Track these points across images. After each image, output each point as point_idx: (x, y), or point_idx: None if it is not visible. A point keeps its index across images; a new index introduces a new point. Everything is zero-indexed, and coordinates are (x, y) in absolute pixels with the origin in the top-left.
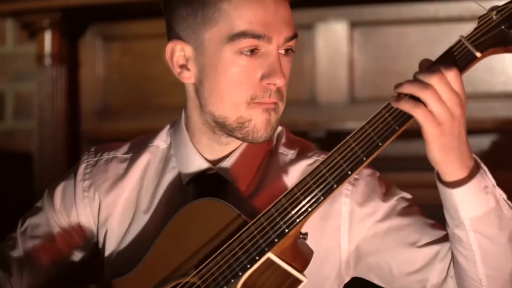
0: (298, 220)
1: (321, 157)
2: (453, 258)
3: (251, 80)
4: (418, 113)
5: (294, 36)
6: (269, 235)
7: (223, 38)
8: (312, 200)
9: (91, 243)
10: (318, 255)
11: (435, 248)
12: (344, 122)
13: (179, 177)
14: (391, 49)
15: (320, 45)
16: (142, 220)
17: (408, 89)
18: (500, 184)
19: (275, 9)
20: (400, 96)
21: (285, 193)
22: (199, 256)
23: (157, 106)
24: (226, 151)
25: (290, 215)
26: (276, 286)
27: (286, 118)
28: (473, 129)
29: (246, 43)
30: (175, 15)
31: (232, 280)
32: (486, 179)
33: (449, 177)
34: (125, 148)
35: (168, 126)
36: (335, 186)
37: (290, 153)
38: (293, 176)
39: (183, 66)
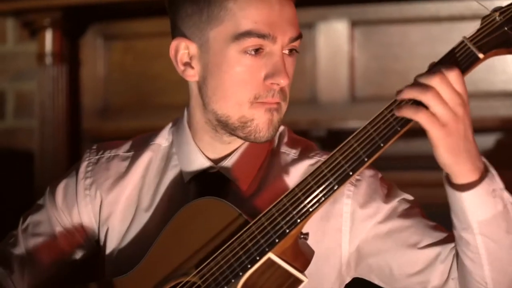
0: (299, 221)
1: (323, 157)
2: (458, 260)
3: (255, 80)
4: (421, 118)
5: (299, 37)
6: (270, 235)
7: (228, 37)
8: (314, 201)
9: (92, 241)
10: (319, 255)
11: (436, 249)
12: (345, 121)
13: (181, 175)
14: (392, 48)
15: (321, 44)
16: (143, 218)
17: (409, 94)
18: None
19: (280, 9)
20: (401, 103)
21: (286, 193)
22: (199, 255)
23: (158, 105)
24: (228, 150)
25: (291, 215)
26: (277, 286)
27: (287, 117)
28: (474, 128)
29: (251, 42)
30: (180, 13)
31: (233, 280)
32: (495, 182)
33: (460, 179)
34: (126, 146)
35: (170, 124)
36: (337, 186)
37: (292, 153)
38: (295, 176)
39: (187, 64)
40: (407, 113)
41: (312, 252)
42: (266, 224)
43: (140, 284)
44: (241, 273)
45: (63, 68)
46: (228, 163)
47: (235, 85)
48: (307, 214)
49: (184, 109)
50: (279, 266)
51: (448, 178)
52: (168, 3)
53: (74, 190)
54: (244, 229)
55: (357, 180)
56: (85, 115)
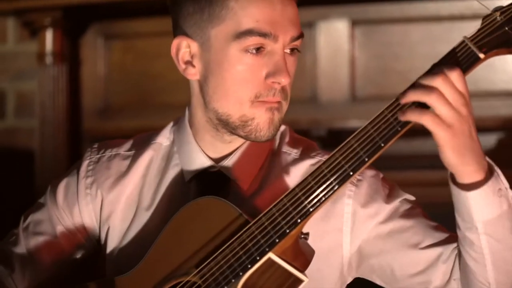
0: (299, 221)
1: (324, 157)
2: (461, 260)
3: (256, 78)
4: (426, 120)
5: (300, 36)
6: (270, 235)
7: (230, 36)
8: (314, 201)
9: (93, 240)
10: (319, 255)
11: (438, 250)
12: (346, 120)
13: (182, 174)
14: (393, 47)
15: (322, 43)
16: (144, 217)
17: (413, 96)
18: None
19: (282, 8)
20: (404, 108)
21: (286, 193)
22: (200, 255)
23: (159, 104)
24: (229, 149)
25: (291, 215)
26: (277, 285)
27: (287, 117)
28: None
29: (252, 41)
30: (181, 11)
31: (233, 280)
32: (500, 182)
33: (466, 179)
34: (128, 145)
35: (171, 124)
36: (337, 186)
37: (294, 153)
38: (296, 175)
39: (188, 63)
40: (412, 116)
41: (312, 252)
42: (266, 224)
43: (140, 284)
44: (241, 273)
45: (64, 68)
46: (229, 162)
47: (236, 84)
48: (307, 214)
49: (184, 108)
50: (280, 266)
51: (453, 177)
52: (170, 2)
53: (75, 189)
54: (244, 229)
55: (358, 180)
56: (86, 114)
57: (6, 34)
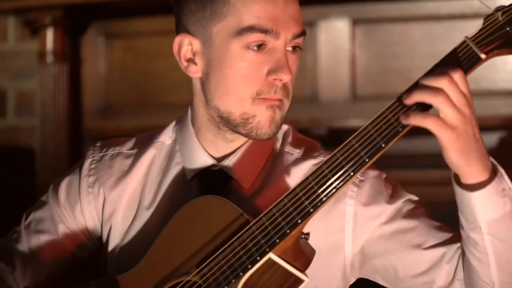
0: (299, 221)
1: (327, 157)
2: (464, 260)
3: (257, 75)
4: (430, 124)
5: (302, 33)
6: (270, 236)
7: (231, 32)
8: (315, 201)
9: (94, 239)
10: (321, 255)
11: (441, 250)
12: (346, 119)
13: (183, 172)
14: (393, 46)
15: (322, 43)
16: (145, 215)
17: (418, 97)
18: None
19: (284, 5)
20: (407, 110)
21: (287, 193)
22: (200, 254)
23: (159, 104)
24: (231, 148)
25: (292, 215)
26: (278, 285)
27: (288, 115)
28: None
29: (254, 37)
30: (184, 9)
31: (233, 280)
32: (504, 182)
33: (469, 179)
34: (130, 143)
35: (174, 122)
36: (338, 187)
37: (296, 152)
38: (298, 175)
39: (190, 60)
40: (416, 120)
41: (313, 252)
42: (267, 224)
43: (141, 283)
44: (241, 273)
45: (64, 67)
46: (230, 161)
47: (237, 81)
48: (308, 215)
49: (184, 108)
50: (280, 266)
51: (456, 178)
52: (174, 0)
53: (77, 188)
54: (245, 229)
55: (361, 181)
56: (86, 113)
57: (6, 33)
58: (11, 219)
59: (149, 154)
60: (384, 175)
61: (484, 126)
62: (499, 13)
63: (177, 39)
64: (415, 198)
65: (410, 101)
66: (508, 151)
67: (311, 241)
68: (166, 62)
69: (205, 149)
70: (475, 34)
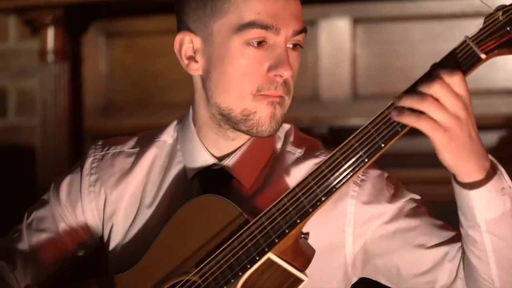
0: (298, 221)
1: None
2: (464, 258)
3: (257, 72)
4: (422, 125)
5: (303, 30)
6: (269, 235)
7: (232, 29)
8: (314, 201)
9: (96, 238)
10: (321, 255)
11: (444, 249)
12: (347, 118)
13: (184, 171)
14: (394, 46)
15: (323, 42)
16: (146, 214)
17: (407, 103)
18: None
19: (284, 2)
20: (401, 108)
21: (286, 192)
22: (200, 254)
23: (160, 103)
24: (232, 147)
25: (291, 215)
26: (277, 285)
27: (288, 115)
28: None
29: (254, 34)
30: (184, 7)
31: (232, 280)
32: (503, 180)
33: (465, 179)
34: (132, 142)
35: (175, 122)
36: (337, 187)
37: (298, 152)
38: (298, 175)
39: (191, 58)
40: (408, 120)
41: (313, 252)
42: (266, 223)
43: (141, 282)
44: (240, 273)
45: (65, 66)
46: (231, 160)
47: (237, 77)
48: (307, 215)
49: (185, 107)
50: (279, 266)
51: (455, 176)
52: None
53: (78, 187)
54: (244, 228)
55: (362, 180)
56: (87, 112)
57: (7, 32)
58: (12, 218)
59: (151, 153)
60: (385, 175)
61: (484, 125)
62: (500, 13)
63: (178, 37)
64: (417, 197)
65: (400, 103)
66: (508, 150)
67: (312, 241)
68: (167, 61)
69: (206, 148)
70: (476, 34)
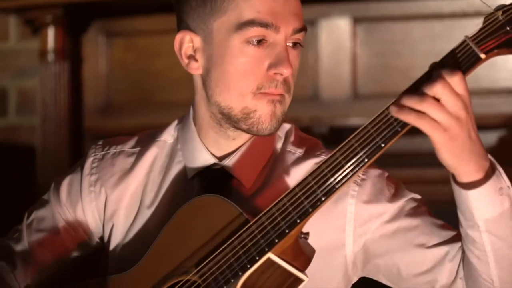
0: (298, 221)
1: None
2: (464, 258)
3: (257, 70)
4: (421, 124)
5: (303, 29)
6: (269, 235)
7: (231, 27)
8: (314, 201)
9: (96, 238)
10: (322, 255)
11: (444, 248)
12: (347, 118)
13: (185, 171)
14: (394, 45)
15: (323, 41)
16: (147, 214)
17: (407, 102)
18: None
19: (284, 0)
20: (400, 105)
21: (286, 192)
22: (200, 253)
23: (160, 103)
24: (233, 146)
25: (291, 215)
26: (277, 285)
27: (289, 114)
28: (476, 125)
29: (254, 32)
30: (185, 6)
31: (232, 280)
32: (502, 180)
33: (464, 178)
34: (132, 142)
35: (176, 121)
36: (337, 187)
37: (298, 152)
38: (298, 175)
39: (191, 57)
40: (407, 117)
41: (313, 251)
42: (266, 223)
43: (141, 282)
44: (240, 273)
45: (65, 65)
46: (232, 160)
47: (237, 76)
48: (307, 215)
49: (185, 106)
50: (279, 266)
51: (453, 175)
52: None
53: (78, 187)
54: (244, 228)
55: (362, 179)
56: (87, 112)
57: (8, 31)
58: (12, 217)
59: (151, 153)
60: (386, 174)
61: (485, 124)
62: (500, 12)
63: (178, 36)
64: (417, 196)
65: (400, 104)
66: (508, 150)
67: (312, 240)
68: (167, 61)
69: (206, 148)
70: (475, 34)
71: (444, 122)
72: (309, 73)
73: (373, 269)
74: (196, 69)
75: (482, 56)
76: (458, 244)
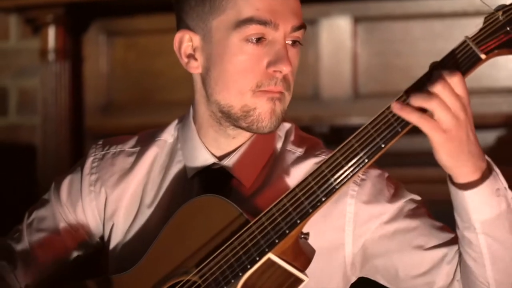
0: (299, 221)
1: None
2: (461, 260)
3: (257, 68)
4: (423, 124)
5: (302, 26)
6: (270, 236)
7: (230, 25)
8: (314, 201)
9: (96, 237)
10: (321, 255)
11: (442, 250)
12: (348, 117)
13: (185, 171)
14: (395, 44)
15: (324, 40)
16: (147, 214)
17: (415, 102)
18: None
19: None
20: (403, 103)
21: (286, 193)
22: (200, 254)
23: (161, 102)
24: (232, 146)
25: (291, 216)
26: (277, 285)
27: (289, 113)
28: (476, 124)
29: (253, 30)
30: (184, 5)
31: (233, 281)
32: (499, 181)
33: (461, 179)
34: (132, 141)
35: (176, 121)
36: (337, 187)
37: (298, 151)
38: (299, 174)
39: (191, 56)
40: (410, 116)
41: (313, 251)
42: (266, 224)
43: (140, 282)
44: (240, 274)
45: (66, 65)
46: (232, 159)
47: (237, 74)
48: (307, 215)
49: (185, 105)
50: (279, 266)
51: (450, 176)
52: None
53: (78, 186)
54: (244, 228)
55: (362, 180)
56: (88, 111)
57: (8, 31)
58: (12, 217)
59: (151, 152)
60: (386, 174)
61: (485, 124)
62: (500, 13)
63: (178, 36)
64: (417, 197)
65: (410, 103)
66: (509, 149)
67: (312, 240)
68: (167, 60)
69: (206, 147)
70: (475, 34)
71: (445, 122)
72: (309, 72)
73: (372, 269)
74: (195, 68)
75: (482, 56)
76: (456, 247)
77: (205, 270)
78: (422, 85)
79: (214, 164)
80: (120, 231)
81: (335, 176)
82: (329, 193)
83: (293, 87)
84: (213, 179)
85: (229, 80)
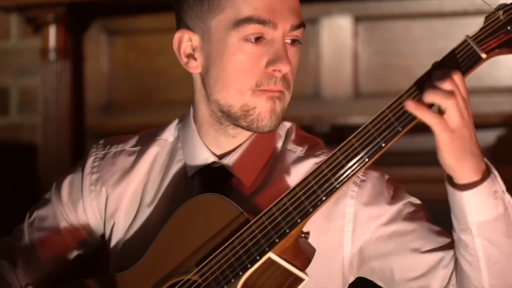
0: (299, 221)
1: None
2: (456, 264)
3: (256, 67)
4: (435, 123)
5: (301, 25)
6: (270, 235)
7: (229, 25)
8: (314, 201)
9: (97, 237)
10: (321, 254)
11: (439, 254)
12: (349, 116)
13: (185, 169)
14: (395, 44)
15: (325, 40)
16: (147, 213)
17: (432, 98)
18: (504, 179)
19: None
20: (418, 102)
21: (287, 192)
22: (201, 253)
23: (162, 101)
24: (233, 145)
25: (291, 215)
26: (278, 284)
27: (290, 113)
28: (477, 124)
29: (252, 29)
30: (183, 5)
31: (233, 280)
32: (497, 184)
33: (461, 180)
34: (133, 141)
35: (176, 120)
36: (337, 186)
37: (299, 151)
38: (299, 174)
39: (190, 56)
40: (424, 115)
41: (313, 251)
42: (266, 223)
43: (141, 281)
44: (241, 273)
45: (67, 64)
46: (232, 158)
47: (236, 73)
48: (308, 214)
49: (186, 104)
50: (280, 265)
51: (449, 178)
52: None
53: (79, 186)
54: (245, 228)
55: (362, 180)
56: (89, 110)
57: (9, 30)
58: (13, 216)
59: (152, 152)
60: (386, 176)
61: (486, 123)
62: (501, 12)
63: (177, 35)
64: (416, 201)
65: (425, 99)
66: (509, 148)
67: (311, 241)
68: (168, 59)
69: (206, 146)
70: (476, 33)
71: (454, 122)
72: (310, 71)
73: (368, 270)
74: (195, 67)
75: (483, 55)
76: (453, 251)
77: (205, 269)
78: (421, 86)
79: (214, 163)
80: (120, 230)
81: (336, 176)
82: (330, 193)
83: (294, 86)
84: (213, 177)
85: (228, 79)
